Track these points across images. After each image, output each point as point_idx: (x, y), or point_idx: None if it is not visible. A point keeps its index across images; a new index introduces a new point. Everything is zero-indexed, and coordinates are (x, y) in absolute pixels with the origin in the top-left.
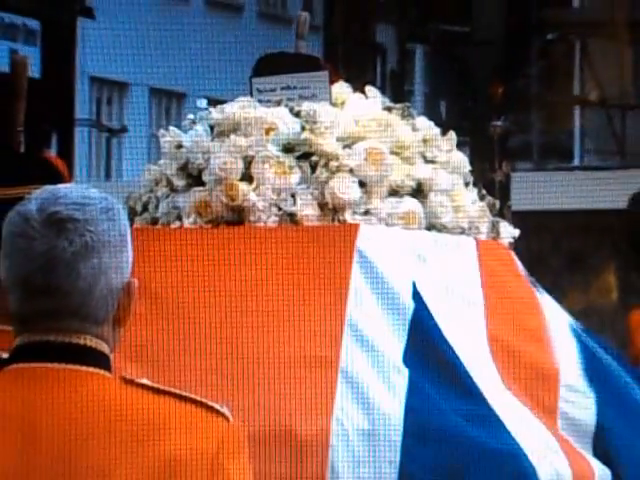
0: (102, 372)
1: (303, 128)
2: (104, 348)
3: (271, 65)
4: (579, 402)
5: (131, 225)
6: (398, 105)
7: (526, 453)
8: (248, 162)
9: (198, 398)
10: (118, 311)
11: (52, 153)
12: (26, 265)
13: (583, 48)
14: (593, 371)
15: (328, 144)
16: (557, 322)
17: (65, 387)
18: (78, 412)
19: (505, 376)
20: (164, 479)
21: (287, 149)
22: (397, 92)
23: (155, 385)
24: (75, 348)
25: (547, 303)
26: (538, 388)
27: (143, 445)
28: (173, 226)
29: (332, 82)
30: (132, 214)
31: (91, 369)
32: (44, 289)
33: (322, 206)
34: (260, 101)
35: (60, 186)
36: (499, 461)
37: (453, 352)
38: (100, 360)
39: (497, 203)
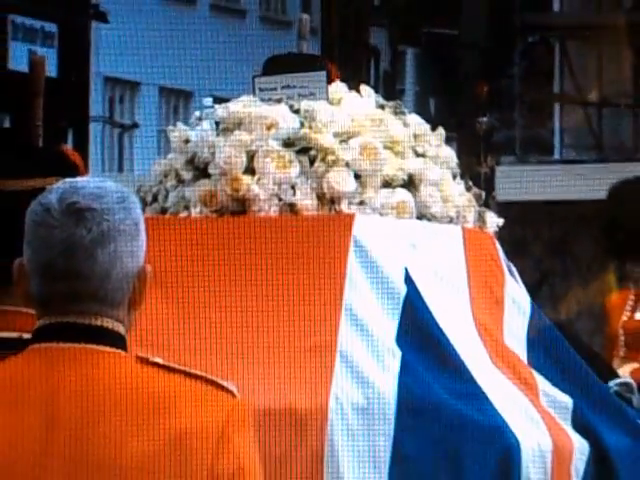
0: (118, 351)
1: (302, 124)
2: (120, 329)
3: (279, 64)
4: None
5: None
6: (390, 103)
7: (511, 427)
8: (251, 156)
9: (207, 376)
10: (133, 294)
11: (69, 147)
12: (47, 252)
13: (562, 50)
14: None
15: (325, 139)
16: (514, 315)
17: (83, 365)
18: (95, 388)
19: (492, 355)
20: (175, 450)
21: (287, 144)
22: (389, 91)
23: (167, 363)
24: (93, 329)
25: (513, 294)
26: (520, 367)
27: (156, 419)
28: (181, 216)
29: (332, 80)
30: (143, 204)
31: (108, 348)
32: (64, 274)
33: (320, 197)
34: (262, 99)
35: (78, 178)
36: (486, 435)
37: (443, 333)
38: (116, 340)
39: (483, 194)
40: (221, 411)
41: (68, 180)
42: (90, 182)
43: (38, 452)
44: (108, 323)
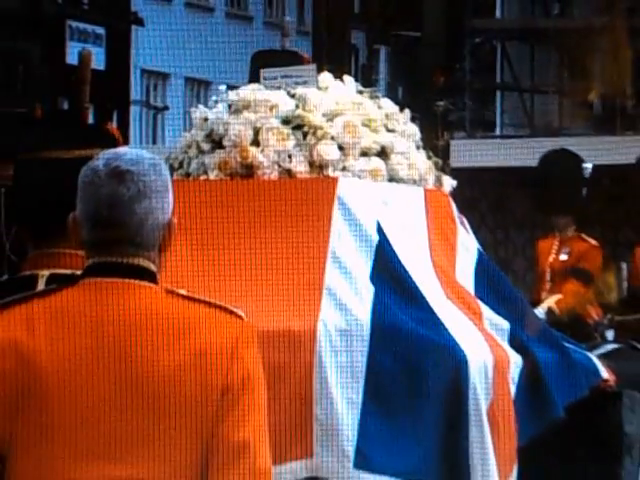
0: (151, 285)
1: (297, 106)
2: (152, 267)
3: (263, 58)
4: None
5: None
6: (367, 90)
7: (460, 345)
8: (256, 131)
9: (222, 304)
10: (162, 240)
11: (113, 124)
12: (95, 206)
13: (503, 48)
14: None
15: (316, 118)
16: (464, 258)
17: (123, 295)
18: (133, 314)
19: (445, 290)
20: (196, 363)
21: (285, 122)
22: (367, 80)
23: (190, 294)
24: (131, 267)
25: (464, 242)
26: (468, 298)
27: (181, 338)
28: (201, 178)
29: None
30: (171, 170)
31: (142, 282)
32: (108, 223)
33: (311, 164)
34: (265, 86)
35: (120, 148)
36: (441, 352)
37: (407, 273)
38: (149, 276)
39: (440, 162)
40: (233, 332)
41: (112, 150)
42: (129, 151)
43: (89, 362)
44: (143, 262)
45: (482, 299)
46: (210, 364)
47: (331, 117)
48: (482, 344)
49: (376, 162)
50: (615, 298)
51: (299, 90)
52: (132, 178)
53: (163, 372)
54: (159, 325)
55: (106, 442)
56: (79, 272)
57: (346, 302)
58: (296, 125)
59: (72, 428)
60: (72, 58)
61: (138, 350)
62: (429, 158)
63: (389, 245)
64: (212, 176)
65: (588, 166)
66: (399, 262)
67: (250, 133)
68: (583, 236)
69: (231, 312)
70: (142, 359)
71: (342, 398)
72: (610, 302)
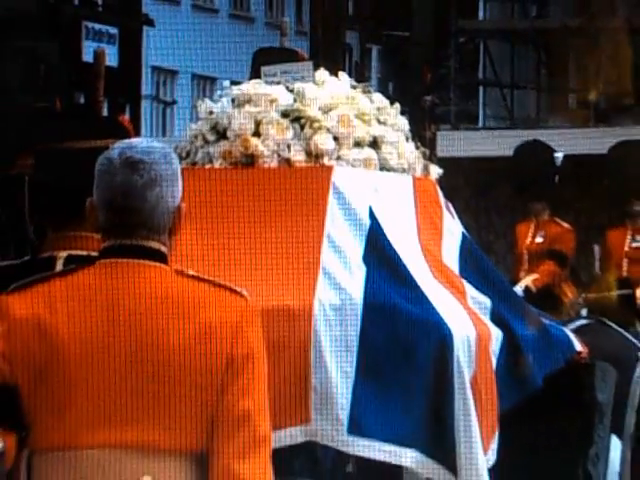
0: (162, 265)
1: (295, 100)
2: (163, 249)
3: (264, 55)
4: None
5: None
6: (360, 85)
7: (446, 321)
8: (257, 123)
9: (227, 284)
10: (172, 224)
11: (126, 117)
12: (110, 192)
13: (485, 47)
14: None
15: (312, 111)
16: (450, 241)
17: (136, 275)
18: (145, 292)
19: (432, 270)
20: (203, 340)
21: (284, 114)
22: (360, 76)
23: (198, 275)
24: (144, 249)
25: (449, 225)
26: (453, 278)
27: (188, 316)
28: (206, 167)
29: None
30: (179, 159)
31: (154, 263)
32: (122, 209)
33: (308, 154)
34: (266, 82)
35: (133, 139)
36: (428, 327)
37: (397, 254)
38: (161, 257)
39: (427, 152)
40: (237, 310)
41: (126, 140)
42: (142, 142)
43: (104, 337)
44: (155, 245)
45: (466, 278)
46: (215, 339)
47: (327, 110)
48: (466, 320)
49: (368, 152)
50: (615, 297)
51: (297, 85)
52: (144, 167)
53: (172, 346)
54: (169, 302)
55: (119, 410)
56: (95, 253)
57: (340, 281)
58: (294, 118)
59: (88, 397)
60: (88, 56)
61: (149, 325)
62: (417, 148)
63: (380, 228)
64: (216, 165)
65: (559, 155)
66: (389, 244)
67: (252, 125)
68: (557, 220)
69: (236, 292)
70: (153, 334)
71: (337, 369)
72: (611, 300)
